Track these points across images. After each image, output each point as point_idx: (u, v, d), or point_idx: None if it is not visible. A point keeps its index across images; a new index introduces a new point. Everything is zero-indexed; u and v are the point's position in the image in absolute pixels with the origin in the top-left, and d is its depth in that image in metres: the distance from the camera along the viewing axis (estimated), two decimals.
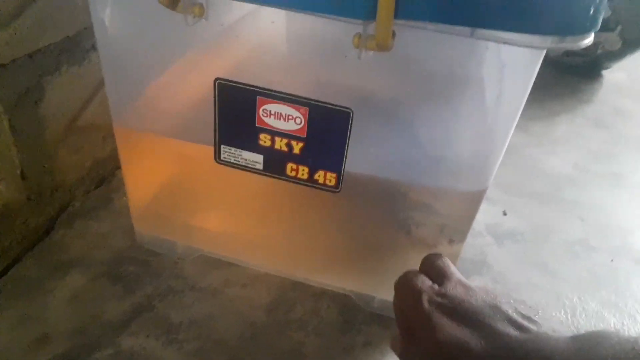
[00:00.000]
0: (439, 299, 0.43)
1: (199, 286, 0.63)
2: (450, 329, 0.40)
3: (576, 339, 0.38)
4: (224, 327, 0.59)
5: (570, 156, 1.00)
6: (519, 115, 0.47)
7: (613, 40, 1.20)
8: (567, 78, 1.28)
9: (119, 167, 0.80)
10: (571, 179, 0.93)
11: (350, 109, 0.48)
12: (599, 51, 1.23)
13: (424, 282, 0.46)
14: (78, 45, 0.66)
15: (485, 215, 0.80)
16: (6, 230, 0.61)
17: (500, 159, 0.50)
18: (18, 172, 0.61)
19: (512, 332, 0.39)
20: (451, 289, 0.44)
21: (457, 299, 0.43)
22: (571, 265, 0.73)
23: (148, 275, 0.64)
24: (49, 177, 0.67)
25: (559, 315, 0.65)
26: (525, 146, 0.99)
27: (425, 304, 0.43)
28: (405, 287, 0.47)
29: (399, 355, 0.47)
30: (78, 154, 0.71)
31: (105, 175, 0.78)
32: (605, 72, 1.35)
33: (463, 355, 0.39)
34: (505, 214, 0.82)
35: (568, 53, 1.27)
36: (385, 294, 0.61)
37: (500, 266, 0.72)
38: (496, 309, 0.41)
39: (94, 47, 0.68)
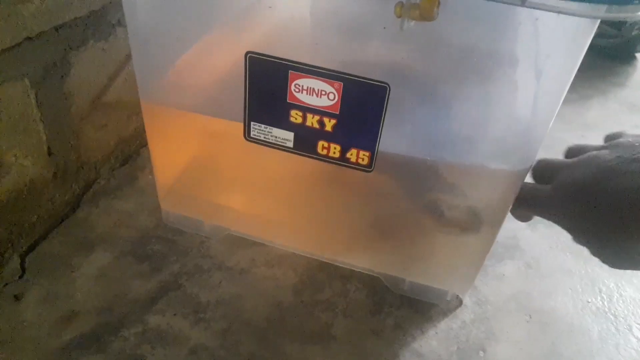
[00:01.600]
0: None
1: (226, 265, 0.62)
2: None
3: None
4: (252, 307, 0.58)
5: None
6: (565, 93, 0.45)
7: None
8: (600, 60, 1.25)
9: (143, 146, 0.79)
10: None
11: (387, 84, 0.46)
12: (635, 32, 1.19)
13: None
14: (104, 19, 0.64)
15: None
16: (32, 207, 0.61)
17: (544, 137, 0.47)
18: (45, 148, 0.60)
19: (609, 156, 0.38)
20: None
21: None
22: None
23: (174, 254, 0.63)
24: (75, 154, 0.66)
25: (595, 301, 0.63)
26: (556, 130, 0.95)
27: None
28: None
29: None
30: (103, 131, 0.70)
31: (130, 154, 0.77)
32: (639, 55, 1.30)
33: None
34: None
35: (601, 34, 1.23)
36: (415, 276, 0.60)
37: (533, 251, 0.70)
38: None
39: (119, 22, 0.67)
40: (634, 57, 1.29)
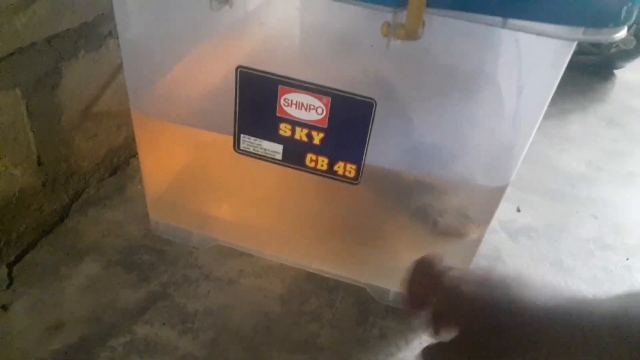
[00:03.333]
0: (460, 274, 0.40)
1: (214, 276, 0.63)
2: (478, 297, 0.37)
3: (619, 298, 0.33)
4: (239, 317, 0.59)
5: (583, 154, 0.99)
6: (544, 111, 0.47)
7: (627, 39, 1.19)
8: (579, 77, 1.28)
9: (133, 156, 0.79)
10: (584, 176, 0.93)
11: (374, 100, 0.47)
12: (613, 50, 1.23)
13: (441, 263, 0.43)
14: (95, 31, 0.65)
15: (499, 211, 0.79)
16: (21, 216, 0.61)
17: (524, 154, 0.49)
18: (34, 157, 0.61)
19: (547, 296, 0.35)
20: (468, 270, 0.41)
21: (479, 272, 0.40)
22: (586, 263, 0.73)
23: (163, 264, 0.64)
24: (65, 164, 0.66)
25: None
26: (537, 144, 0.98)
27: (449, 279, 0.40)
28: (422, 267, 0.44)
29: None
30: (93, 141, 0.71)
31: (120, 164, 0.78)
32: (617, 72, 1.34)
33: (492, 333, 0.35)
34: (519, 210, 0.81)
35: (581, 51, 1.26)
36: (400, 287, 0.61)
37: (514, 262, 0.71)
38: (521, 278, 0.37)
39: (110, 34, 0.68)
40: (612, 74, 1.33)
